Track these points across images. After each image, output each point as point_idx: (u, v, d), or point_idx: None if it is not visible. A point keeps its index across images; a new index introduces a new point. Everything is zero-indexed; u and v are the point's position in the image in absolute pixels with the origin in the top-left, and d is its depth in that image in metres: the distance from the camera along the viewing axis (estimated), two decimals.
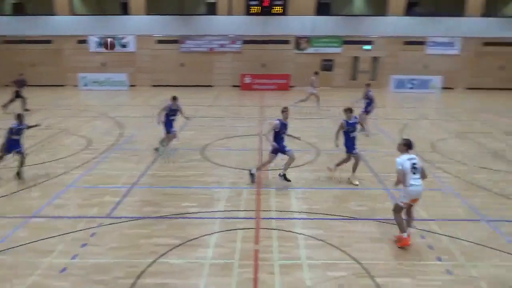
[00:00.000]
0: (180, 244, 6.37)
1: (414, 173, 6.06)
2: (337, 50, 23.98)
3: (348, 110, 8.81)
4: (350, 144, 8.78)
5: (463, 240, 6.48)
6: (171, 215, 7.33)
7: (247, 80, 23.74)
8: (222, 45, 24.22)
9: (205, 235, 6.66)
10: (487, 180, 9.09)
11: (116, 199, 8.00)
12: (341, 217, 7.27)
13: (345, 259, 5.93)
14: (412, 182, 6.03)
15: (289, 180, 8.63)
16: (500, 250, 6.18)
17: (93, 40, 24.36)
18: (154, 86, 24.79)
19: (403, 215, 6.37)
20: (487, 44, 23.43)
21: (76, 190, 8.54)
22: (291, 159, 8.56)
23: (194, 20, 24.08)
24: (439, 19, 23.33)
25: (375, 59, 24.27)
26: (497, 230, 6.84)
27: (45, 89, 23.71)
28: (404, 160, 6.10)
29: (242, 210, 7.58)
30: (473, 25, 23.16)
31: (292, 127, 13.94)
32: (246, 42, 24.09)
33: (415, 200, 6.23)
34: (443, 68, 23.79)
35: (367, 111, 13.14)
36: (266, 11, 23.07)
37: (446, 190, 8.53)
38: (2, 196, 8.15)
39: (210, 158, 10.64)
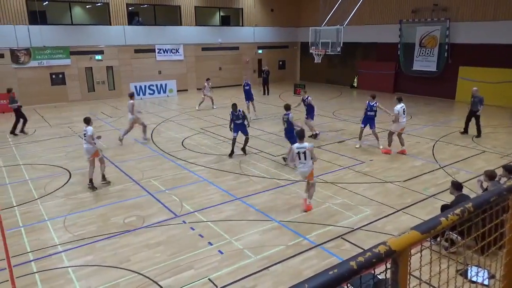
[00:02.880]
0: None
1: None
2: (66, 61, 22.23)
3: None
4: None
5: (224, 220, 7.45)
6: None
7: None
8: None
9: None
10: (233, 165, 10.70)
11: None
12: (111, 235, 6.99)
13: (126, 275, 5.78)
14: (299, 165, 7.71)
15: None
16: (252, 220, 7.46)
17: None
18: None
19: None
20: (204, 49, 27.10)
21: None
22: None
23: None
24: (161, 28, 25.22)
25: (109, 69, 23.94)
26: (247, 203, 8.20)
27: None
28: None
29: None
30: (190, 34, 26.23)
31: (30, 153, 12.23)
32: None
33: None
34: (174, 72, 25.95)
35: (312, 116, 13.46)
36: None
37: (200, 181, 9.52)
38: None
39: None
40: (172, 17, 26.08)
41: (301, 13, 30.03)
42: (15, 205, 8.36)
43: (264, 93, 24.12)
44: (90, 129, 8.97)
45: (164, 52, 25.54)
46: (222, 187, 9.08)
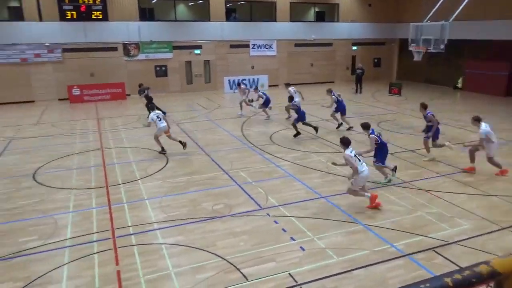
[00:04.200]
0: (23, 287, 5.47)
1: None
2: (168, 55, 24.05)
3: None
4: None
5: (308, 217, 7.43)
6: (8, 255, 6.22)
7: (76, 91, 21.62)
8: (37, 55, 21.38)
9: (54, 269, 5.89)
10: (319, 163, 10.60)
11: None
12: (200, 219, 7.42)
13: (211, 259, 6.10)
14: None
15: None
16: (336, 220, 7.33)
17: None
18: None
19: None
20: (297, 45, 27.11)
21: None
22: None
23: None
24: (256, 24, 25.84)
25: (206, 63, 25.29)
26: (332, 203, 8.07)
27: None
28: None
29: (95, 233, 6.97)
30: (284, 30, 26.45)
31: (134, 137, 13.54)
32: (66, 50, 21.86)
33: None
34: (266, 67, 26.46)
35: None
36: (84, 17, 21.38)
37: (286, 177, 9.60)
38: None
39: (45, 182, 9.38)
40: (267, 13, 26.52)
41: (401, 7, 28.32)
42: (120, 183, 9.33)
43: (356, 92, 23.37)
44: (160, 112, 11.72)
45: (257, 48, 26.15)
46: (307, 184, 9.05)
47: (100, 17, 21.66)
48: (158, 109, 13.97)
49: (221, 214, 7.61)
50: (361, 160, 7.62)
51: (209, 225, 7.18)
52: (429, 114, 10.44)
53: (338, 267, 5.83)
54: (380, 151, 8.89)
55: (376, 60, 29.82)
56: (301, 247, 6.37)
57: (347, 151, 7.53)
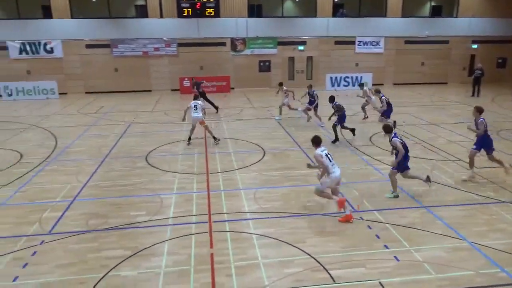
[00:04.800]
0: (131, 255, 6.16)
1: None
2: (273, 51, 24.54)
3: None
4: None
5: (405, 226, 6.98)
6: (120, 226, 7.05)
7: (186, 83, 23.43)
8: (156, 49, 23.66)
9: (157, 243, 6.50)
10: (423, 170, 9.86)
11: (57, 214, 7.52)
12: (291, 214, 7.48)
13: (299, 255, 6.12)
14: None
15: None
16: (438, 233, 6.76)
17: (13, 46, 22.53)
18: (88, 93, 23.55)
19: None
20: (408, 42, 25.40)
21: (9, 208, 7.88)
22: None
23: (125, 23, 23.26)
24: (364, 20, 24.86)
25: (309, 59, 25.21)
26: (434, 214, 7.46)
27: None
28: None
29: (194, 215, 7.50)
30: (394, 25, 24.98)
31: (235, 129, 14.21)
32: (181, 45, 23.76)
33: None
34: (371, 65, 25.37)
35: (310, 107, 14.71)
36: (198, 14, 22.95)
37: (384, 181, 9.11)
38: None
39: (155, 164, 10.38)
40: (377, 8, 25.33)
41: None
42: (219, 171, 9.87)
43: (473, 95, 21.09)
44: (199, 102, 12.32)
45: (364, 44, 25.23)
46: (407, 191, 8.49)
47: (213, 13, 23.03)
48: (208, 100, 15.97)
49: (313, 212, 7.57)
50: (333, 161, 7.26)
51: (300, 221, 7.20)
52: (481, 120, 8.98)
53: (435, 284, 5.38)
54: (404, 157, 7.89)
55: (500, 60, 26.52)
56: (395, 256, 6.02)
57: (318, 150, 7.22)
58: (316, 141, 7.38)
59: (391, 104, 13.63)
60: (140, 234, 6.84)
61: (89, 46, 23.22)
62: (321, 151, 7.25)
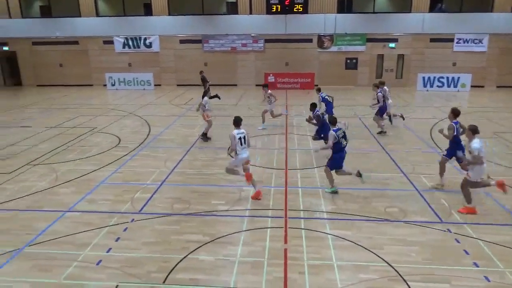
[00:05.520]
0: (209, 241, 6.45)
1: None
2: (361, 48, 23.71)
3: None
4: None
5: (501, 245, 6.31)
6: (201, 213, 7.43)
7: (271, 78, 23.76)
8: (244, 45, 24.31)
9: (234, 233, 6.73)
10: None
11: (146, 196, 8.18)
12: (370, 218, 7.20)
13: (376, 262, 5.87)
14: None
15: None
16: None
17: (118, 41, 24.86)
18: (179, 85, 25.10)
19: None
20: None
21: (108, 187, 8.76)
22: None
23: (216, 20, 24.26)
24: (465, 15, 22.74)
25: (400, 57, 23.87)
26: None
27: (73, 88, 24.38)
28: None
29: (270, 209, 7.61)
30: (501, 21, 22.47)
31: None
32: (268, 41, 24.11)
33: None
34: (471, 65, 23.19)
35: (378, 112, 13.03)
36: (287, 10, 23.03)
37: (479, 193, 8.32)
38: (38, 192, 8.46)
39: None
40: (482, 2, 23.00)
41: None
42: (298, 168, 9.86)
43: None
44: (206, 99, 12.29)
45: (464, 42, 23.17)
46: (505, 206, 7.64)
47: (301, 10, 22.96)
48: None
49: (394, 218, 7.20)
50: (244, 145, 7.91)
51: (379, 227, 6.90)
52: (451, 124, 8.18)
53: None
54: None
55: None
56: (485, 276, 5.48)
57: (235, 131, 7.85)
58: (235, 122, 8.03)
59: (385, 102, 12.92)
60: (219, 222, 7.13)
61: (182, 41, 24.70)
62: (237, 133, 7.84)
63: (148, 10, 24.60)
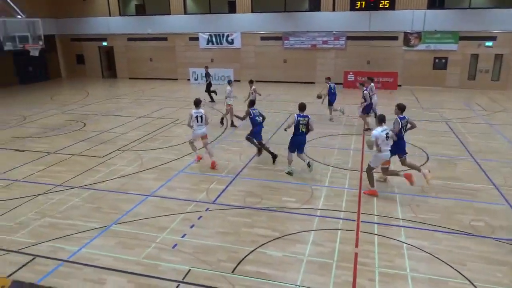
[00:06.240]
0: (279, 237, 6.50)
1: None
2: (452, 46, 21.92)
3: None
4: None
5: None
6: (272, 208, 7.51)
7: (351, 77, 23.08)
8: (325, 42, 23.90)
9: (304, 231, 6.70)
10: None
11: (221, 187, 8.49)
12: (452, 231, 6.68)
13: (456, 278, 5.44)
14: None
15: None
16: None
17: (202, 37, 25.99)
18: (258, 81, 25.51)
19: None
20: None
21: (187, 176, 9.26)
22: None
23: (298, 17, 24.14)
24: None
25: (498, 57, 21.63)
26: None
27: (160, 82, 26.08)
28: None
29: (342, 211, 7.43)
30: None
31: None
32: (350, 38, 23.41)
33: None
34: None
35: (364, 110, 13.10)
36: (372, 6, 22.10)
37: None
38: (125, 176, 9.23)
39: (310, 155, 10.62)
40: None
41: None
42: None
43: None
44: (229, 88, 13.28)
45: None
46: None
47: (387, 6, 21.90)
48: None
49: (480, 233, 6.60)
50: (200, 123, 9.52)
51: (462, 241, 6.37)
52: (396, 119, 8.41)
53: None
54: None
55: None
56: None
57: (193, 110, 9.54)
58: (195, 103, 9.60)
59: (371, 99, 12.95)
60: (289, 219, 7.15)
61: (263, 38, 25.04)
62: (194, 112, 9.44)
63: (232, 8, 25.34)
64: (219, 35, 25.74)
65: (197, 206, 7.62)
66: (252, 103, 10.37)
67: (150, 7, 27.05)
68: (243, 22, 25.05)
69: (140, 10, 27.46)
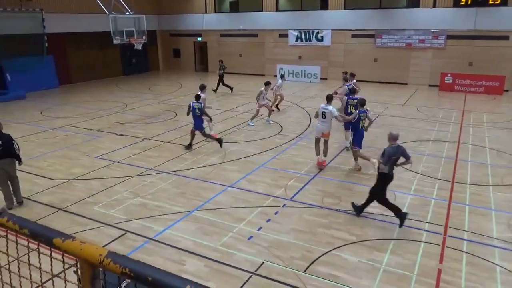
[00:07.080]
0: (355, 242, 6.31)
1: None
2: None
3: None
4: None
5: None
6: (350, 211, 7.30)
7: (448, 79, 21.28)
8: (421, 41, 22.33)
9: (383, 239, 6.40)
10: None
11: (299, 185, 8.48)
12: None
13: None
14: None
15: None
16: None
17: (292, 34, 26.05)
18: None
19: None
20: None
21: (266, 170, 9.42)
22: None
23: (394, 14, 22.89)
24: None
25: None
26: None
27: (248, 77, 26.80)
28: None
29: (428, 222, 6.94)
30: None
31: (500, 137, 11.93)
32: (450, 37, 21.54)
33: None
34: None
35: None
36: (479, 2, 20.03)
37: None
38: (209, 165, 9.70)
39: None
40: None
41: None
42: (468, 183, 8.66)
43: None
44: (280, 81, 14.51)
45: None
46: None
47: (498, 1, 19.72)
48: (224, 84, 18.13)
49: None
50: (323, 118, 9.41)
51: None
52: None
53: None
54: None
55: None
56: None
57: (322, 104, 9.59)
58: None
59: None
60: (368, 224, 6.89)
61: (354, 35, 24.25)
62: (322, 108, 9.50)
63: (324, 5, 24.97)
64: (308, 32, 25.57)
65: (274, 201, 7.72)
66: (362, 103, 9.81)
67: (244, 4, 27.85)
68: (335, 19, 24.54)
69: (234, 7, 28.44)
